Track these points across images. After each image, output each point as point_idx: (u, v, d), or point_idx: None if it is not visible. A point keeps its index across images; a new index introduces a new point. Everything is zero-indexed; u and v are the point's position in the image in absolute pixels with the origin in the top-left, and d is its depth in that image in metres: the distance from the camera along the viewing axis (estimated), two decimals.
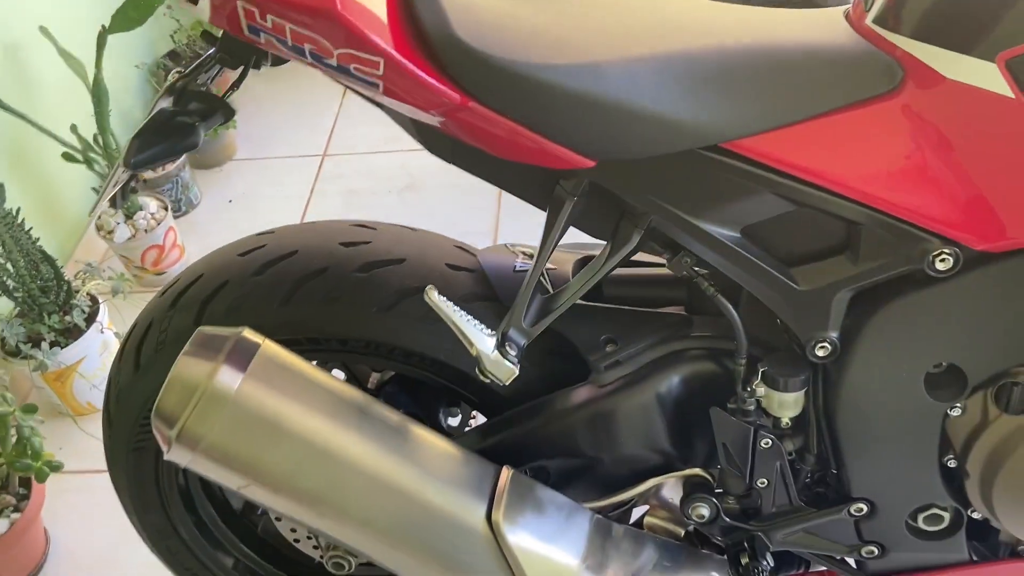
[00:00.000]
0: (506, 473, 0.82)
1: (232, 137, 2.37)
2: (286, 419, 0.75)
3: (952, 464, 0.83)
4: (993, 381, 0.77)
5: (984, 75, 0.66)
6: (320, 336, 0.92)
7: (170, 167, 2.10)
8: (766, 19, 0.77)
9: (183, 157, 2.15)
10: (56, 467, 1.30)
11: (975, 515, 0.86)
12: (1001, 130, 0.68)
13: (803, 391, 0.82)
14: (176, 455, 0.75)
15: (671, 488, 0.93)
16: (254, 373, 0.75)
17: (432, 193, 2.14)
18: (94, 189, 1.86)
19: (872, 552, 0.89)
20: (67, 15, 1.95)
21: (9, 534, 1.36)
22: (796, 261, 0.78)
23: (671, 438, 0.90)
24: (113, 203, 0.92)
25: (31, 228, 1.59)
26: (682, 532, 0.95)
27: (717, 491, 0.90)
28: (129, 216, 1.92)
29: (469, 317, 0.77)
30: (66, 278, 1.68)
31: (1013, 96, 0.66)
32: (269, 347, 0.78)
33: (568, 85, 0.68)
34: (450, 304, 0.76)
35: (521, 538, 0.79)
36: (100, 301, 1.72)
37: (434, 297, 0.76)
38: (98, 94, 1.73)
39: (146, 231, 1.90)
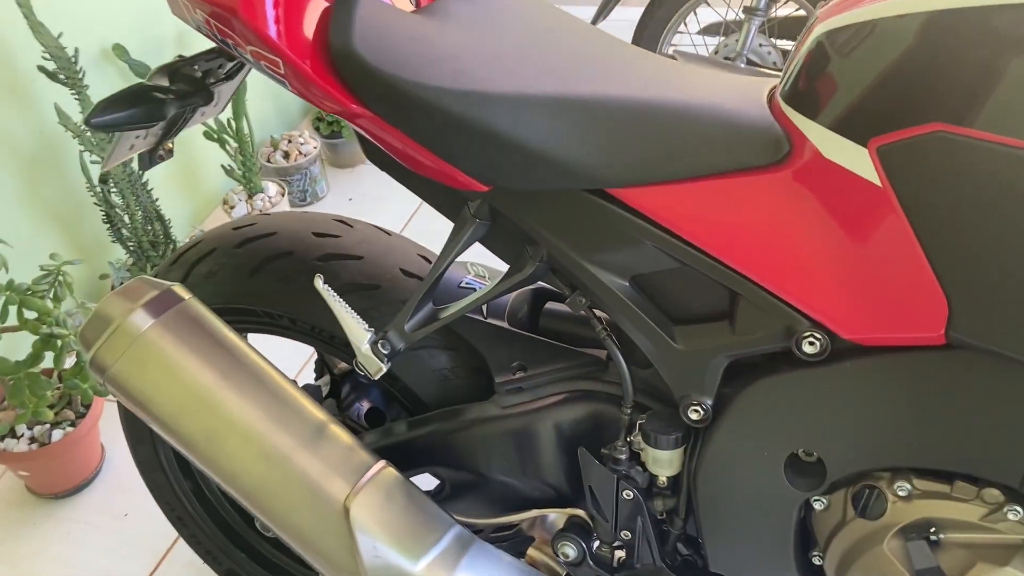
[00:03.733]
0: (379, 466, 0.86)
1: None
2: (179, 368, 0.83)
3: (817, 561, 0.78)
4: (854, 480, 0.73)
5: (856, 159, 0.64)
6: (273, 311, 1.01)
7: (302, 160, 2.32)
8: (685, 77, 0.78)
9: (317, 151, 2.36)
10: (100, 392, 1.48)
11: None
12: (868, 219, 0.65)
13: (679, 451, 0.81)
14: (92, 375, 0.86)
15: (557, 524, 0.93)
16: (164, 322, 0.84)
17: None
18: (223, 166, 2.09)
19: None
20: None
21: (62, 443, 1.56)
22: (679, 319, 0.78)
23: (560, 474, 0.90)
24: (140, 164, 1.06)
25: (152, 189, 1.82)
26: (563, 573, 0.95)
27: (593, 537, 0.89)
28: (250, 196, 2.14)
29: (351, 311, 0.82)
30: (176, 238, 1.90)
31: (880, 185, 0.63)
32: (192, 304, 0.87)
33: (458, 110, 0.72)
34: (335, 295, 0.82)
35: (367, 528, 0.83)
36: None
37: (319, 285, 0.82)
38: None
39: (262, 212, 2.11)
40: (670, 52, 2.01)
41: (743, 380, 0.75)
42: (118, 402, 1.20)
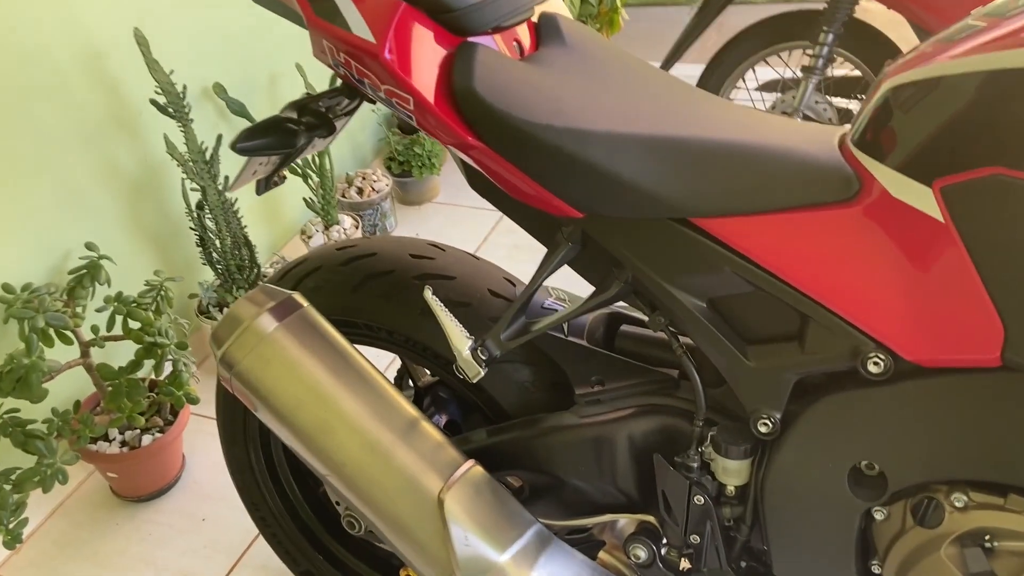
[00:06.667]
0: (468, 464, 0.95)
1: (436, 182, 2.70)
2: (299, 366, 0.94)
3: (876, 570, 0.84)
4: (913, 492, 0.79)
5: (921, 197, 0.72)
6: (373, 324, 1.11)
7: (374, 196, 2.45)
8: (762, 122, 0.87)
9: (389, 188, 2.49)
10: (193, 400, 1.59)
11: None
12: (931, 251, 0.73)
13: (747, 462, 0.88)
14: (221, 371, 0.97)
15: (627, 529, 1.00)
16: (288, 325, 0.95)
17: None
18: (304, 199, 2.22)
19: None
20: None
21: (150, 447, 1.67)
22: (752, 339, 0.86)
23: (633, 481, 0.98)
24: (257, 189, 1.18)
25: (242, 216, 1.95)
26: None
27: (663, 542, 0.97)
28: (327, 227, 2.27)
29: (455, 319, 0.92)
30: (260, 264, 2.03)
31: (943, 221, 0.71)
32: (309, 311, 0.98)
33: (560, 144, 0.83)
34: (441, 304, 0.92)
35: (460, 519, 0.91)
36: None
37: (428, 296, 0.92)
38: None
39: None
40: None
41: (810, 396, 0.83)
42: (218, 402, 1.31)
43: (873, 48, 2.08)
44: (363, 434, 0.93)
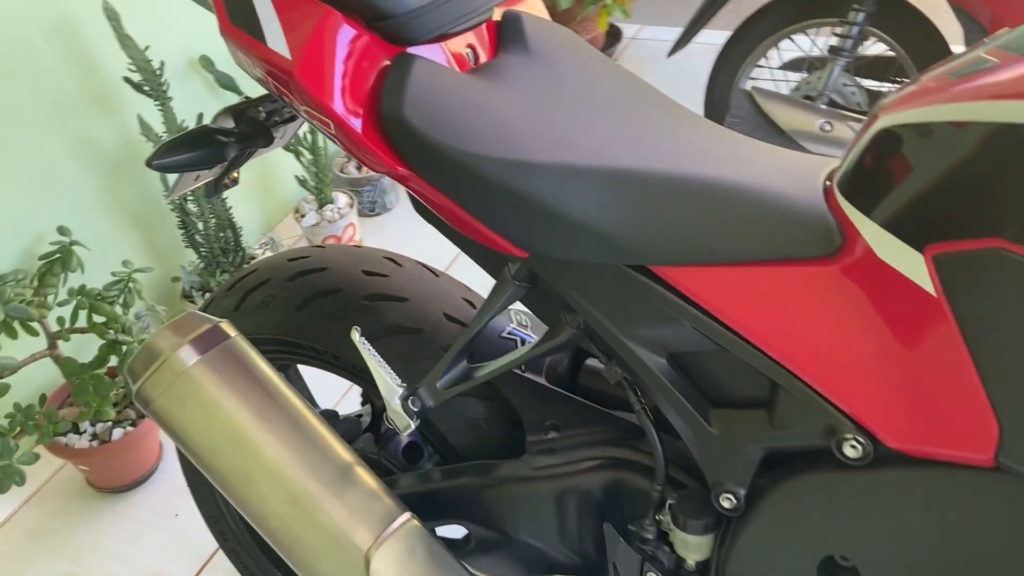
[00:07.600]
0: (403, 519, 0.86)
1: None
2: (218, 407, 0.85)
3: None
4: None
5: (910, 264, 0.60)
6: (318, 347, 1.02)
7: (371, 173, 2.35)
8: (741, 153, 0.75)
9: None
10: None
11: None
12: (919, 327, 0.61)
13: (708, 537, 0.78)
14: (139, 407, 0.89)
15: None
16: (209, 359, 0.86)
17: None
18: (296, 177, 2.13)
19: None
20: None
21: (122, 441, 1.62)
22: (716, 402, 0.75)
23: (587, 542, 0.89)
24: (207, 193, 1.09)
25: (227, 198, 1.86)
26: None
27: None
28: (320, 206, 2.18)
29: (385, 364, 0.83)
30: (248, 245, 1.95)
31: (934, 294, 0.60)
32: (237, 342, 0.89)
33: (499, 178, 0.72)
34: (370, 348, 0.83)
35: None
36: None
37: (356, 338, 0.82)
38: None
39: (330, 222, 2.15)
40: (749, 87, 1.96)
41: (780, 473, 0.72)
42: None
43: (908, 27, 1.91)
44: (286, 484, 0.85)
